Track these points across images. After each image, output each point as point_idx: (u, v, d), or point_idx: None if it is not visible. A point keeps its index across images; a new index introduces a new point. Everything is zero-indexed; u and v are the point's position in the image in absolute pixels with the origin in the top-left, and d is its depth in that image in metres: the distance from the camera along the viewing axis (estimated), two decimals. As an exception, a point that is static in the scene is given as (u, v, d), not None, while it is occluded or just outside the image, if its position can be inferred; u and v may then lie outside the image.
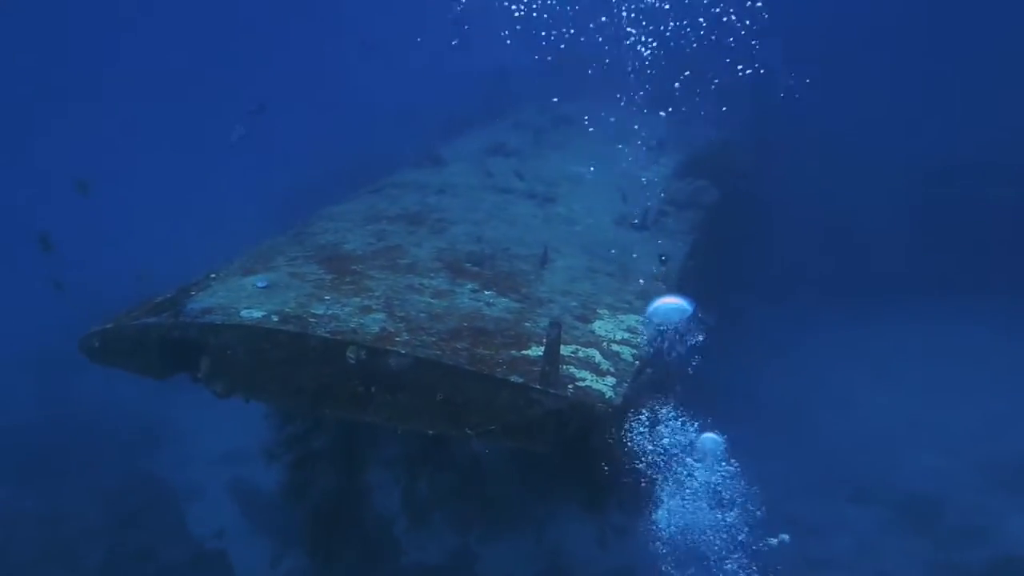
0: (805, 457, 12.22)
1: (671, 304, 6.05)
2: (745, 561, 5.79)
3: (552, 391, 4.80)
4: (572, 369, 5.29)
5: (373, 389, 5.25)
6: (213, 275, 6.35)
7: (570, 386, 5.05)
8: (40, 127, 33.24)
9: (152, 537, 10.91)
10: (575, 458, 5.23)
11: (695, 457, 5.58)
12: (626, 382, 5.33)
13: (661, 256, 7.89)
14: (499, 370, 5.02)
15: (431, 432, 5.32)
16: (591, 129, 13.36)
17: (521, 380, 4.88)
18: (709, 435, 5.67)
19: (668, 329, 5.86)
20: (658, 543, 5.64)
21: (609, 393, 5.10)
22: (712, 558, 5.71)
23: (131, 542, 10.72)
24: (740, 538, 5.73)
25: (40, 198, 22.46)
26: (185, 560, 10.62)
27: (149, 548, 10.69)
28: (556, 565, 9.58)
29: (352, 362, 5.10)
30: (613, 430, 5.04)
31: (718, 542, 5.69)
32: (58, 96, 36.24)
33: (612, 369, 5.48)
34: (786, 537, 6.43)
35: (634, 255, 8.00)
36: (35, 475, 12.02)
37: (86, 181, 13.62)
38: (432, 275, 6.68)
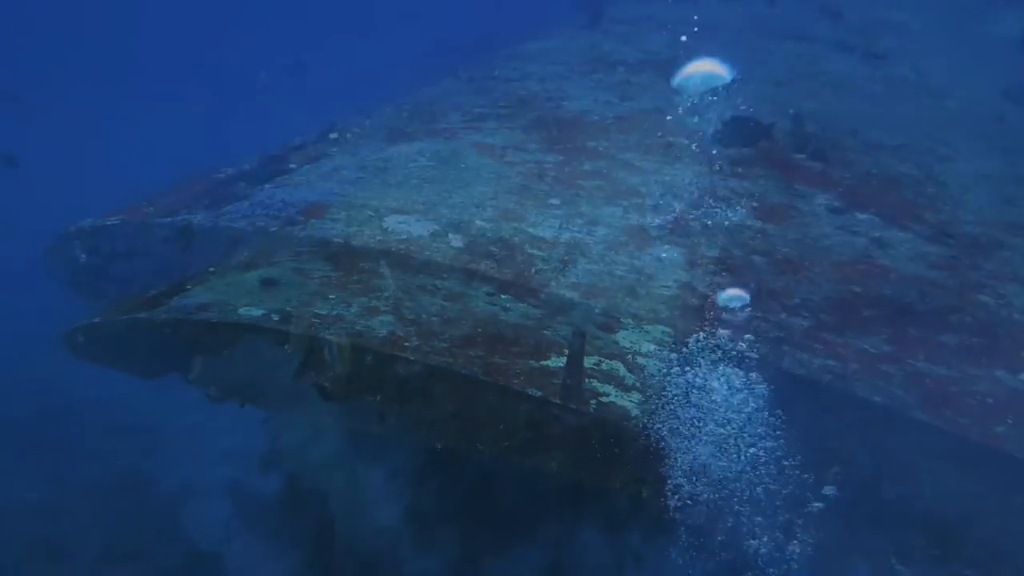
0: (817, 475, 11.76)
1: (706, 72, 4.81)
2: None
3: (574, 407, 4.38)
4: (595, 383, 4.86)
5: (379, 397, 4.84)
6: (212, 268, 5.93)
7: (593, 402, 4.62)
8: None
9: (146, 537, 10.53)
10: (595, 478, 4.76)
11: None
12: (654, 398, 4.91)
13: None
14: (516, 382, 4.60)
15: (439, 445, 4.90)
16: None
17: (539, 393, 4.46)
18: (732, 291, 4.84)
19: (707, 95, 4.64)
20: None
21: (635, 411, 4.67)
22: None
23: (124, 542, 10.33)
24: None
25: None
26: (179, 561, 10.22)
27: (143, 548, 10.30)
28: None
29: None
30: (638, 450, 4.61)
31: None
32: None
33: (638, 384, 5.05)
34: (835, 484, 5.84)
35: None
36: (28, 470, 11.65)
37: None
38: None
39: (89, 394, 14.38)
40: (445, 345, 4.87)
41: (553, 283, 3.73)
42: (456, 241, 3.83)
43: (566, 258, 3.87)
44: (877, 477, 4.09)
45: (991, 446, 3.86)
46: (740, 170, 4.68)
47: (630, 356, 5.43)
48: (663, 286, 4.04)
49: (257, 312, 5.04)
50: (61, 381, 14.92)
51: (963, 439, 3.84)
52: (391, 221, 3.97)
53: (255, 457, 8.41)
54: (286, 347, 4.82)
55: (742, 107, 5.01)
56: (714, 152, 4.69)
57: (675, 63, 5.63)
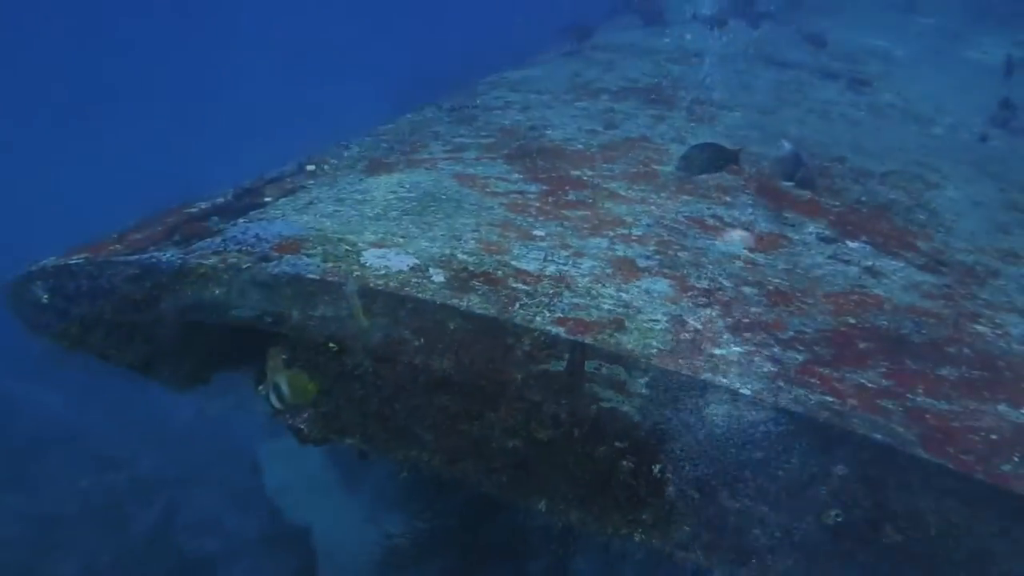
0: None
1: None
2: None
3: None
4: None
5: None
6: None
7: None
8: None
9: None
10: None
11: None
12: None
13: None
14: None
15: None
16: None
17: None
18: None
19: None
20: None
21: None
22: None
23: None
24: None
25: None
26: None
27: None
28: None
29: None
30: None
31: None
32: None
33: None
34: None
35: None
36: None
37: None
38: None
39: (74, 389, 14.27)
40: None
41: (539, 318, 3.67)
42: (437, 276, 3.70)
43: (551, 292, 3.78)
44: (879, 519, 3.95)
45: (998, 485, 3.73)
46: (728, 199, 4.51)
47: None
48: (651, 319, 3.98)
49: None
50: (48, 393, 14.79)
51: (968, 478, 3.71)
52: (369, 255, 3.86)
53: (253, 458, 8.34)
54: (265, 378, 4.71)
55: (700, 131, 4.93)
56: (699, 180, 4.54)
57: (659, 90, 5.62)
